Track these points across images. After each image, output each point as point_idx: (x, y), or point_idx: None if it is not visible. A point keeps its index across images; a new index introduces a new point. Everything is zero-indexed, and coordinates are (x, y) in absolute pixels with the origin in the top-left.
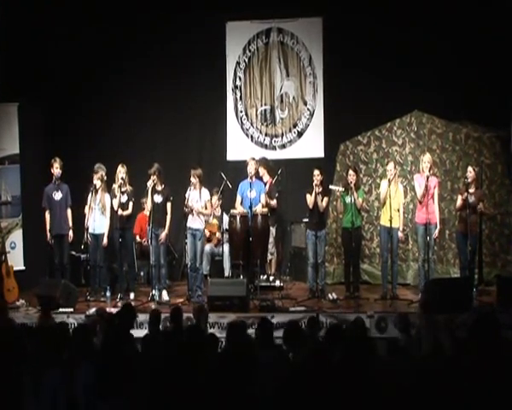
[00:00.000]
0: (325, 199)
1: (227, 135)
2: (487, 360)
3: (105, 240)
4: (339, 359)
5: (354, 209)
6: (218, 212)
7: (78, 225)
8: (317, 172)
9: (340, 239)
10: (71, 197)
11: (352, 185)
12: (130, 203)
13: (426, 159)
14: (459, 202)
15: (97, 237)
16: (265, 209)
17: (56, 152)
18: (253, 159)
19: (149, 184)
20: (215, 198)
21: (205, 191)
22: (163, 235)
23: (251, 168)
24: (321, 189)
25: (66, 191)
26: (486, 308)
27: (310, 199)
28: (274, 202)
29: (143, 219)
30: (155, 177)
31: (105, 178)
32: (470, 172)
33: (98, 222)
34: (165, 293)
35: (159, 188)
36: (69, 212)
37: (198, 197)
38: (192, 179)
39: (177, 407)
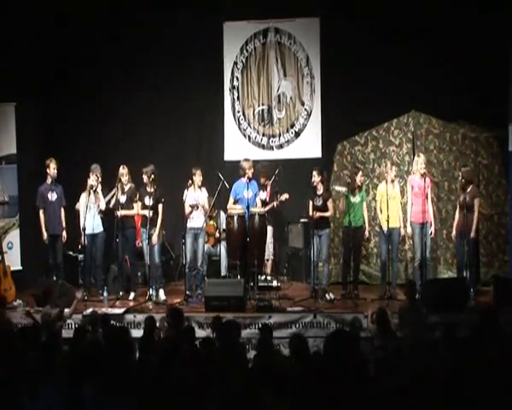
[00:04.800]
0: (330, 205)
1: (224, 135)
2: (488, 358)
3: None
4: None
5: (358, 209)
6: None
7: (74, 226)
8: (314, 172)
9: (337, 239)
10: (67, 197)
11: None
12: (135, 205)
13: (421, 160)
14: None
15: (94, 237)
16: (262, 209)
17: (53, 152)
18: (248, 160)
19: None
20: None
21: (204, 190)
22: (154, 236)
23: (249, 171)
24: (321, 190)
25: (61, 192)
26: (487, 307)
27: (310, 210)
28: (275, 203)
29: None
30: (147, 178)
31: (100, 178)
32: (459, 177)
33: (96, 222)
34: (161, 292)
35: (150, 190)
36: (63, 212)
37: (198, 196)
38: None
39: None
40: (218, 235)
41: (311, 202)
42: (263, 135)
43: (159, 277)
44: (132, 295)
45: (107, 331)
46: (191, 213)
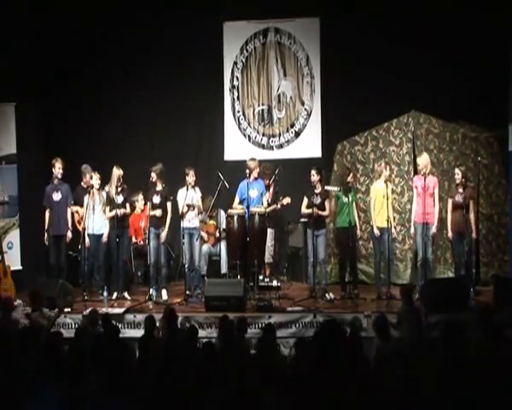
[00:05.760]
0: (327, 204)
1: (224, 135)
2: (487, 357)
3: (105, 238)
4: None
5: (350, 209)
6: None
7: (74, 225)
8: (312, 172)
9: (336, 239)
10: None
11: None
12: (127, 204)
13: (422, 160)
14: (450, 205)
15: (98, 238)
16: (263, 209)
17: (53, 152)
18: (254, 159)
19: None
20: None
21: (197, 190)
22: (163, 234)
23: (255, 170)
24: (320, 189)
25: (67, 191)
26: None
27: (304, 207)
28: (277, 206)
29: (136, 219)
30: (156, 177)
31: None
32: (457, 174)
33: (100, 222)
34: (164, 292)
35: (158, 188)
36: (69, 212)
37: (193, 196)
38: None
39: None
40: (218, 235)
41: (305, 199)
42: (263, 135)
43: (163, 277)
44: (126, 293)
45: (106, 331)
46: (187, 212)
